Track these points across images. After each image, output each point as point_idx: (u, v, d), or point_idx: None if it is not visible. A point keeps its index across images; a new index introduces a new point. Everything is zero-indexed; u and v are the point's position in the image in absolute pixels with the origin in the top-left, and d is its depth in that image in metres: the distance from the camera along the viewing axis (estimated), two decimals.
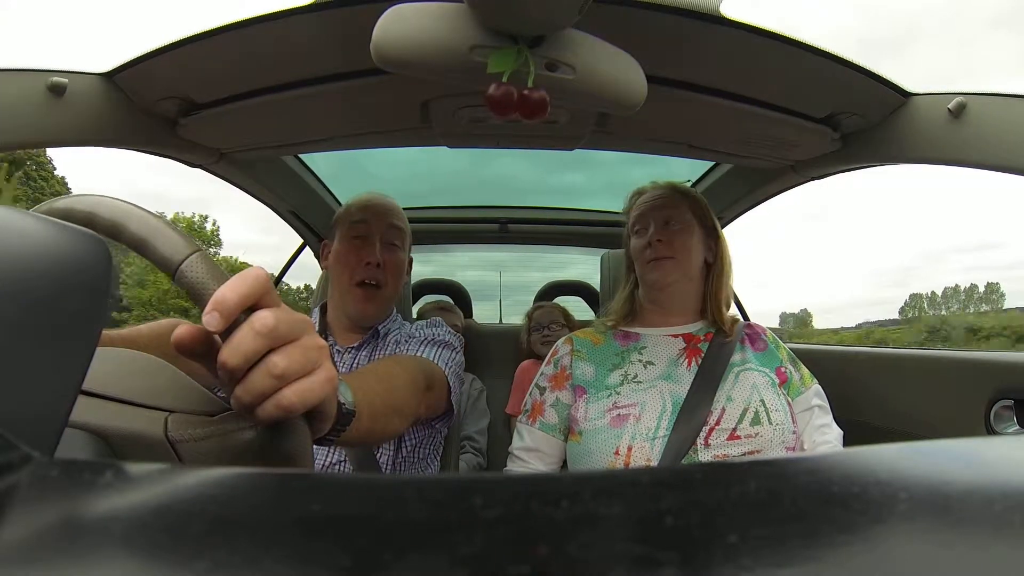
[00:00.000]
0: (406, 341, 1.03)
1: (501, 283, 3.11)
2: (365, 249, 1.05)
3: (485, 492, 0.18)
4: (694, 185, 1.57)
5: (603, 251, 1.57)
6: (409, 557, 0.14)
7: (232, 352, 0.37)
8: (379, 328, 1.08)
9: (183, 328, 0.38)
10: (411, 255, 1.19)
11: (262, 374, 0.38)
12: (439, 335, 1.03)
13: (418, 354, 0.96)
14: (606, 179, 2.12)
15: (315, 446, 0.45)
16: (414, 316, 1.82)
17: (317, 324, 1.11)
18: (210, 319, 0.37)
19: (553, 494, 0.18)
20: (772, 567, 0.14)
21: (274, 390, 0.38)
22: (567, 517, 0.17)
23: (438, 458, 1.10)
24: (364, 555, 0.15)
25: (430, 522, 0.17)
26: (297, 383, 0.39)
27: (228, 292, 0.37)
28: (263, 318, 0.38)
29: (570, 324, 1.93)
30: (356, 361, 1.05)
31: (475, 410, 1.84)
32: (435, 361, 0.94)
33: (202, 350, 0.39)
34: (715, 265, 1.06)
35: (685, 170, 1.56)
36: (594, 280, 2.09)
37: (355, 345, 1.06)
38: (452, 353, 1.00)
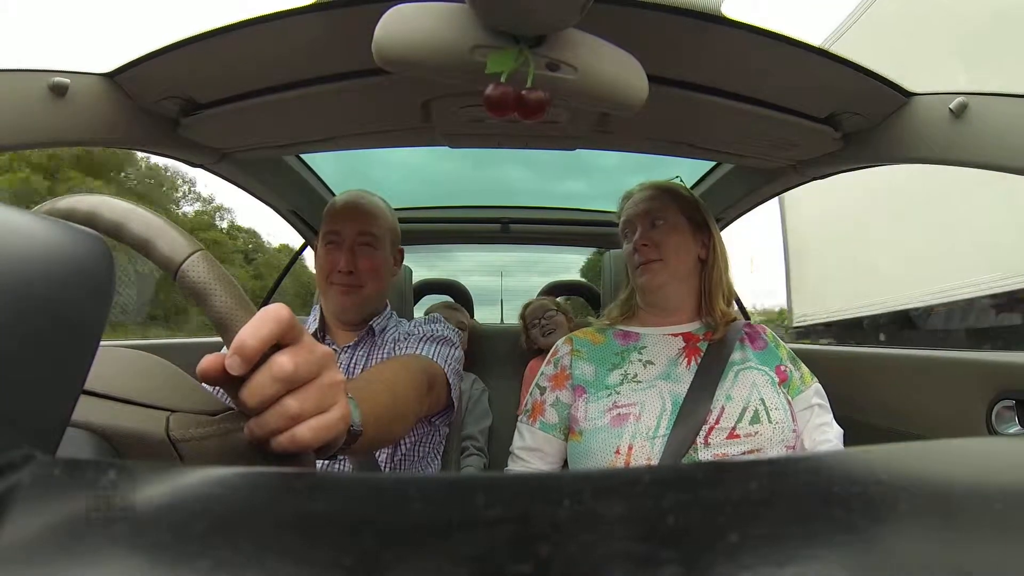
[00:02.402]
0: (404, 339, 1.04)
1: (502, 285, 3.13)
2: (336, 255, 1.06)
3: (487, 491, 0.18)
4: (694, 186, 1.57)
5: (604, 251, 1.57)
6: (411, 556, 0.14)
7: (250, 395, 0.39)
8: (374, 326, 1.08)
9: (208, 359, 0.39)
10: (401, 247, 1.20)
11: (276, 415, 0.39)
12: (437, 331, 1.04)
13: (417, 352, 0.96)
14: (607, 186, 2.14)
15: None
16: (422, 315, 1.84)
17: (317, 322, 1.12)
18: (232, 363, 0.38)
19: (555, 493, 0.18)
20: (772, 566, 0.14)
21: (287, 428, 0.39)
22: (569, 516, 0.17)
23: (439, 456, 1.10)
24: (366, 554, 0.15)
25: (432, 521, 0.17)
26: (312, 420, 0.40)
27: (248, 337, 0.38)
28: (281, 364, 0.38)
29: (563, 309, 1.98)
30: (353, 360, 1.05)
31: (476, 410, 1.85)
32: (434, 359, 0.95)
33: (225, 380, 0.39)
34: (708, 261, 1.06)
35: (685, 173, 1.56)
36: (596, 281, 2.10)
37: (351, 344, 1.07)
38: (451, 349, 1.01)
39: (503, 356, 2.04)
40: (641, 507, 0.18)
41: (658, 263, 1.02)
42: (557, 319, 1.92)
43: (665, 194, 1.07)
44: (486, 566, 0.14)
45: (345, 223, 1.08)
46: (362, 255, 1.07)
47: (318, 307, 1.16)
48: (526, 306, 2.02)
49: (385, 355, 1.05)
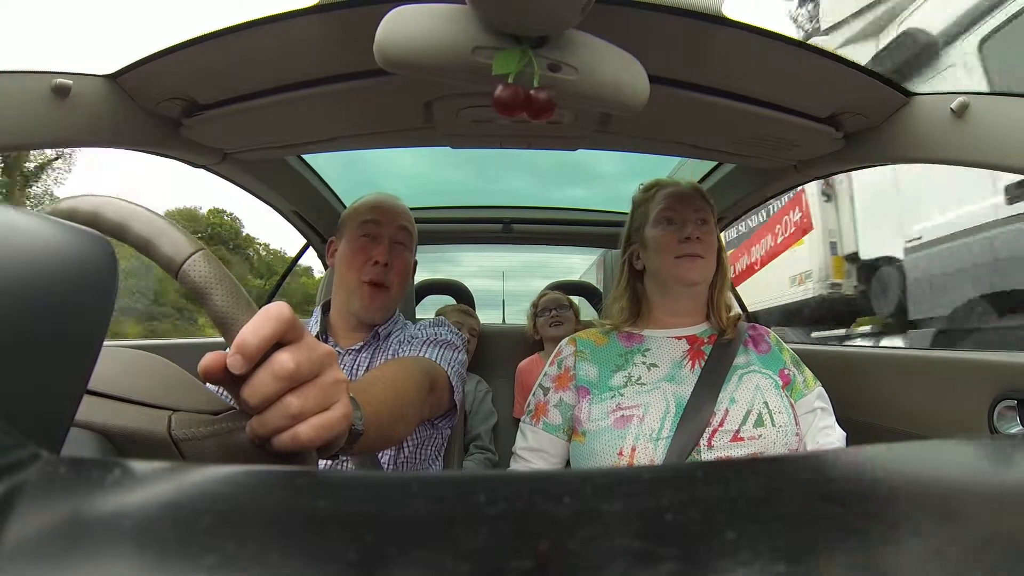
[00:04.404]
0: (408, 342, 1.03)
1: (504, 287, 3.16)
2: (374, 248, 1.06)
3: (488, 489, 0.18)
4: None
5: (606, 251, 1.57)
6: (413, 552, 0.14)
7: (251, 393, 0.39)
8: (379, 330, 1.08)
9: (209, 357, 0.39)
10: (415, 258, 1.19)
11: (278, 414, 0.39)
12: (441, 335, 1.04)
13: (420, 355, 0.96)
14: (607, 191, 2.17)
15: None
16: (430, 315, 1.85)
17: (318, 323, 1.11)
18: (233, 362, 0.38)
19: (555, 491, 0.19)
20: (770, 563, 0.14)
21: (289, 427, 0.39)
22: (569, 513, 0.17)
23: (440, 458, 1.10)
24: (369, 550, 0.15)
25: (434, 518, 0.17)
26: (314, 419, 0.40)
27: (250, 336, 0.38)
28: (282, 362, 0.38)
29: (574, 309, 2.03)
30: (357, 363, 1.05)
31: (481, 411, 1.86)
32: (437, 361, 0.94)
33: (227, 379, 0.39)
34: (720, 268, 1.06)
35: (684, 173, 1.56)
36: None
37: (356, 347, 1.06)
38: (454, 352, 1.00)
39: (506, 356, 2.06)
40: (640, 505, 0.18)
41: (702, 260, 1.01)
42: (567, 315, 1.97)
43: (704, 199, 1.07)
44: (487, 562, 0.14)
45: (386, 217, 1.08)
46: (396, 254, 1.07)
47: (319, 309, 1.15)
48: (541, 295, 2.08)
49: (388, 358, 1.04)
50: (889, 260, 4.89)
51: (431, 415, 0.93)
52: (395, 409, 0.66)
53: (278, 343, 0.39)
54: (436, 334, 1.04)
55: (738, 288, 2.10)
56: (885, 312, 5.01)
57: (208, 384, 0.42)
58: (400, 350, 1.04)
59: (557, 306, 1.98)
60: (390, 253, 1.06)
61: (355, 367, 1.05)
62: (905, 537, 0.16)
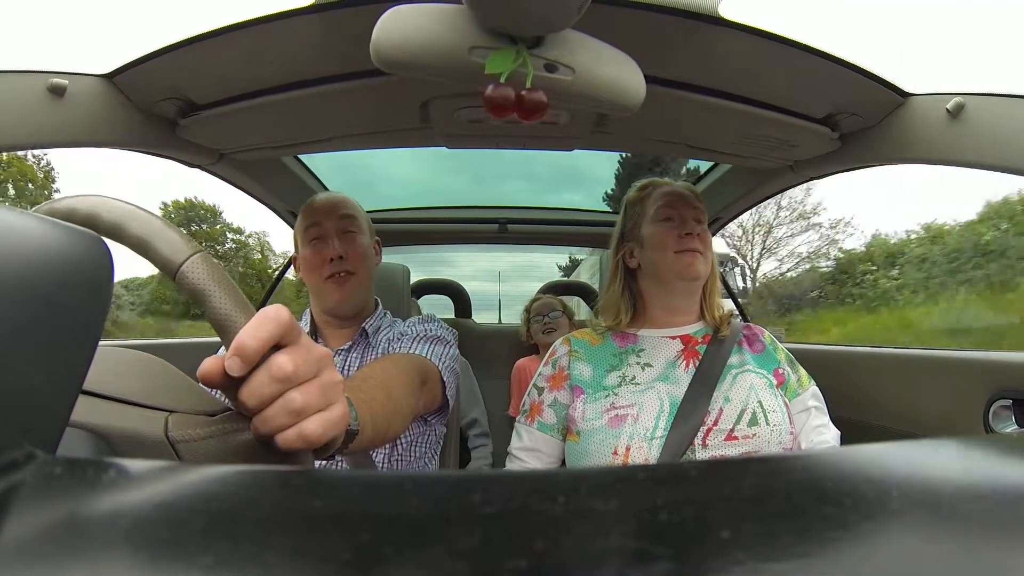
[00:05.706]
0: (398, 339, 1.03)
1: (500, 288, 3.17)
2: (324, 248, 1.06)
3: (484, 488, 0.19)
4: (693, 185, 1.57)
5: (603, 251, 1.57)
6: (409, 551, 0.14)
7: (249, 395, 0.39)
8: (367, 327, 1.08)
9: (208, 363, 0.39)
10: (377, 237, 1.19)
11: (280, 411, 0.39)
12: (431, 331, 1.03)
13: (411, 351, 0.96)
14: (603, 196, 2.16)
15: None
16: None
17: (308, 327, 1.12)
18: (231, 364, 0.38)
19: (550, 490, 0.19)
20: (764, 562, 0.14)
21: (291, 424, 0.40)
22: (564, 512, 0.17)
23: (436, 456, 1.10)
24: (364, 549, 0.15)
25: (429, 517, 0.17)
26: (318, 415, 0.40)
27: (248, 339, 0.38)
28: (281, 364, 0.39)
29: (567, 313, 2.01)
30: (347, 363, 1.05)
31: (470, 396, 1.85)
32: (429, 357, 0.94)
33: (225, 381, 0.39)
34: (711, 269, 1.06)
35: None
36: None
37: (346, 347, 1.07)
38: (445, 348, 1.00)
39: (501, 356, 2.06)
40: (635, 504, 0.18)
41: (701, 255, 1.01)
42: (560, 321, 1.96)
43: (700, 200, 1.07)
44: (483, 561, 0.14)
45: (324, 214, 1.09)
46: (347, 241, 1.08)
47: (308, 312, 1.15)
48: (534, 300, 2.07)
49: (378, 356, 1.04)
50: None
51: (424, 411, 0.93)
52: (388, 405, 0.66)
53: (276, 345, 0.39)
54: (426, 330, 1.04)
55: None
56: None
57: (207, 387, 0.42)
58: (390, 348, 1.04)
59: (549, 311, 1.98)
60: (341, 243, 1.07)
61: (346, 367, 1.05)
62: (899, 537, 0.16)
